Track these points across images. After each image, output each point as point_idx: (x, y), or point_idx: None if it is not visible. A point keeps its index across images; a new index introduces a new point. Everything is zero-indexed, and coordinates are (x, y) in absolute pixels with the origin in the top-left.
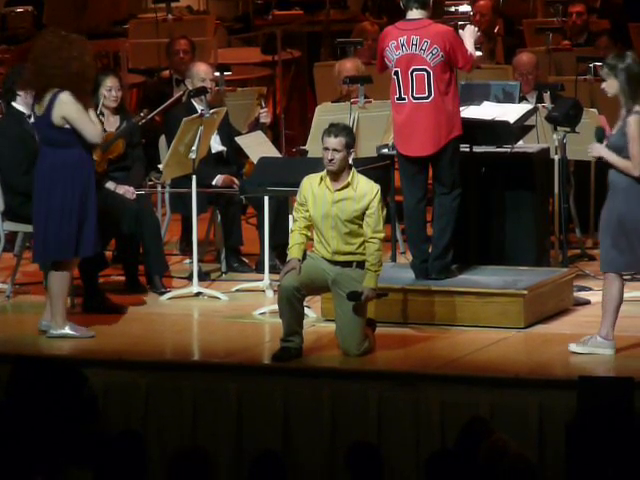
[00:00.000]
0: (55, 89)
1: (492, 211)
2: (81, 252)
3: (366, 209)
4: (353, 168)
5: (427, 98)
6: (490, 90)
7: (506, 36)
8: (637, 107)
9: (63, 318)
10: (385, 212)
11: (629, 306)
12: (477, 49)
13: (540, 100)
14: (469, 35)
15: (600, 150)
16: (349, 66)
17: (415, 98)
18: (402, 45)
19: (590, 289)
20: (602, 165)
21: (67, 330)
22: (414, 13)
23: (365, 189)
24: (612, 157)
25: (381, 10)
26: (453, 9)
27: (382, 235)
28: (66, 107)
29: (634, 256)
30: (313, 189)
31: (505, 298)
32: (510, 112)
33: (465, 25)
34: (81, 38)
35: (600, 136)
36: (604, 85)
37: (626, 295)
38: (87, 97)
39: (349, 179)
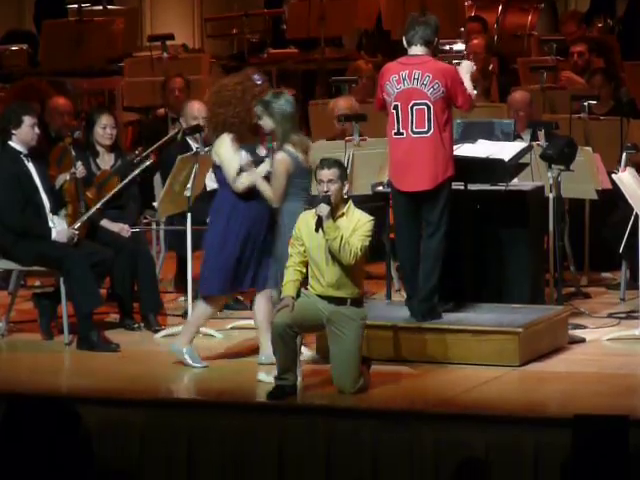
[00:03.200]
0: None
1: (487, 249)
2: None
3: (355, 230)
4: (350, 201)
5: (427, 132)
6: (494, 128)
7: (501, 74)
8: (287, 146)
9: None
10: (370, 243)
11: (623, 344)
12: (474, 87)
13: (534, 138)
14: (466, 71)
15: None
16: (343, 104)
17: (414, 132)
18: (403, 79)
19: (585, 327)
20: (597, 203)
21: (184, 354)
22: (417, 49)
23: (359, 217)
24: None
25: (376, 48)
26: (447, 47)
27: (357, 248)
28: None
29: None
30: (308, 222)
31: (500, 336)
32: (505, 150)
33: (461, 62)
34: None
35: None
36: (261, 122)
37: (620, 333)
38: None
39: (344, 210)
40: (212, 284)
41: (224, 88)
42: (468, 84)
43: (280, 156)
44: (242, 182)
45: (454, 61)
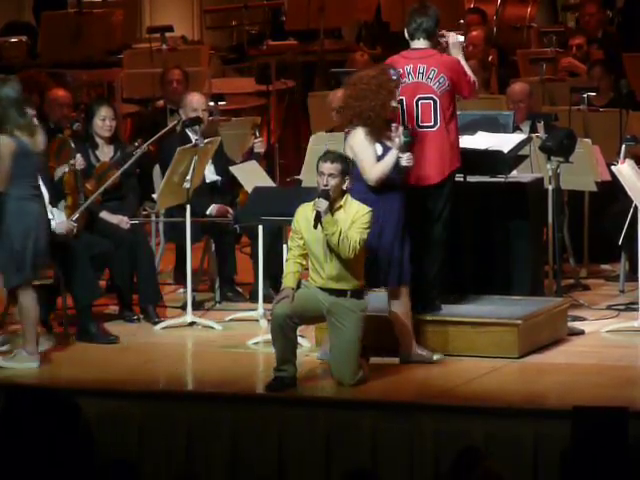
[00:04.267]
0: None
1: (486, 241)
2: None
3: (353, 222)
4: (347, 194)
5: (433, 127)
6: (493, 119)
7: (500, 66)
8: (14, 130)
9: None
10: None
11: (622, 336)
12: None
13: (533, 130)
14: (457, 49)
15: None
16: (342, 96)
17: (420, 127)
18: (408, 73)
19: (584, 319)
20: (596, 195)
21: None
22: (420, 43)
23: (357, 208)
24: None
25: (375, 40)
26: (445, 39)
27: (356, 241)
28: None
29: None
30: (307, 215)
31: (499, 328)
32: (504, 142)
33: (447, 37)
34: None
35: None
36: None
37: (619, 325)
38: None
39: (342, 202)
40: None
41: (360, 81)
42: (466, 67)
43: (4, 140)
44: (376, 173)
45: (442, 38)
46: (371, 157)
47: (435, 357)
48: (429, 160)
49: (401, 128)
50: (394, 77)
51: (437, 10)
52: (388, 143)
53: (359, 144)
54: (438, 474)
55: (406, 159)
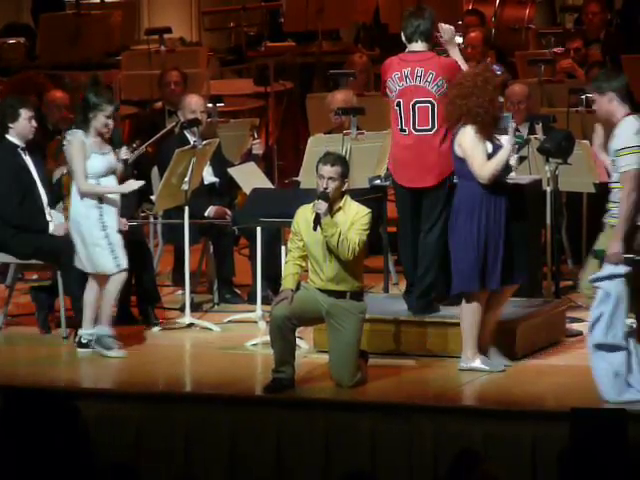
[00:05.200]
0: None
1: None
2: (487, 285)
3: (352, 223)
4: (347, 195)
5: (430, 130)
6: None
7: None
8: None
9: (473, 352)
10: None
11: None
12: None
13: (532, 131)
14: (452, 44)
15: None
16: (341, 97)
17: (417, 130)
18: (406, 77)
19: (583, 320)
20: (594, 196)
21: (477, 364)
22: (418, 45)
23: (356, 210)
24: None
25: (374, 41)
26: (438, 33)
27: (355, 243)
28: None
29: None
30: (307, 216)
31: (498, 329)
32: (502, 143)
33: (442, 31)
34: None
35: None
36: None
37: None
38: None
39: (341, 204)
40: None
41: (465, 79)
42: (461, 61)
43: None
44: (488, 171)
45: (435, 33)
46: (482, 155)
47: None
48: (427, 163)
49: (513, 125)
50: (498, 72)
51: (433, 12)
52: (497, 140)
53: (469, 143)
54: (437, 476)
55: (515, 159)
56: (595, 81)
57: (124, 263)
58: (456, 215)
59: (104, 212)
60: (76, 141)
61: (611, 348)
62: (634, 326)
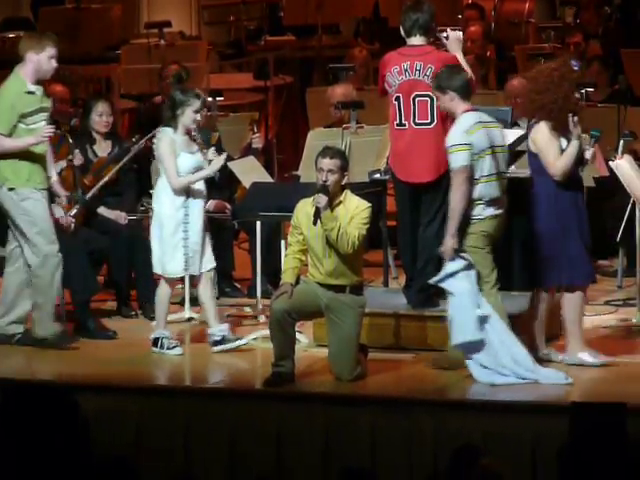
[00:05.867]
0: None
1: None
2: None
3: (352, 217)
4: (347, 189)
5: (429, 124)
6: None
7: (498, 62)
8: None
9: (581, 346)
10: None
11: (621, 332)
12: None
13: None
14: (456, 47)
15: None
16: (340, 91)
17: (417, 124)
18: (405, 71)
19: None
20: (594, 190)
21: (586, 357)
22: (417, 39)
23: (357, 204)
24: None
25: (373, 35)
26: (445, 35)
27: (355, 237)
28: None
29: None
30: (307, 210)
31: None
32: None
33: (447, 34)
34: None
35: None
36: None
37: (618, 321)
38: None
39: (341, 198)
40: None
41: (541, 74)
42: (464, 63)
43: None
44: (561, 166)
45: (442, 34)
46: (555, 151)
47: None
48: (425, 157)
49: (575, 119)
50: (575, 67)
51: (432, 5)
52: (571, 136)
53: (543, 139)
54: (437, 470)
55: (590, 153)
56: (437, 79)
57: (195, 270)
58: (533, 211)
59: (190, 212)
60: (166, 139)
61: (473, 345)
62: (485, 314)
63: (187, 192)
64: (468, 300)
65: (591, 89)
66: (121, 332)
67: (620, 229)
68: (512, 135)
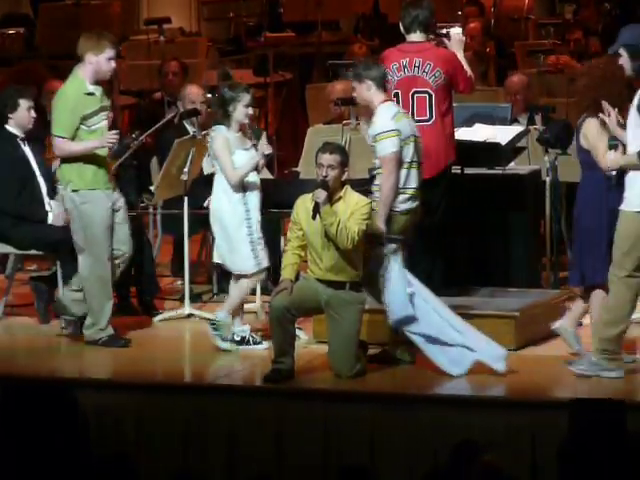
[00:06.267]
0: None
1: (483, 232)
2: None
3: (352, 213)
4: (347, 185)
5: (428, 120)
6: (496, 113)
7: (498, 58)
8: None
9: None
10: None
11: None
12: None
13: (531, 122)
14: (458, 46)
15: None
16: (340, 88)
17: (416, 120)
18: (404, 67)
19: None
20: None
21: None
22: (416, 36)
23: (356, 200)
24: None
25: (373, 32)
26: (445, 31)
27: (354, 232)
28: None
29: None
30: (306, 206)
31: (496, 320)
32: (502, 134)
33: (449, 33)
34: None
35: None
36: None
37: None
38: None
39: (341, 193)
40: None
41: (593, 70)
42: (464, 62)
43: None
44: (611, 159)
45: (442, 30)
46: (605, 146)
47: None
48: (424, 154)
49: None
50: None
51: (431, 2)
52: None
53: (595, 134)
54: (437, 465)
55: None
56: (355, 69)
57: (265, 262)
58: (582, 206)
59: (250, 207)
60: (220, 137)
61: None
62: (414, 291)
63: (244, 186)
64: (398, 280)
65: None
66: (121, 329)
67: None
68: (511, 132)
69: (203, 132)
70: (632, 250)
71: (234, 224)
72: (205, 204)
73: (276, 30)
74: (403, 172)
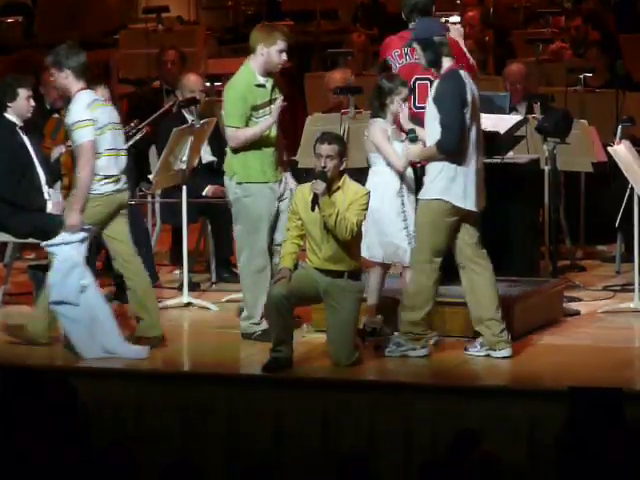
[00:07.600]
0: None
1: (482, 221)
2: None
3: (351, 203)
4: (345, 175)
5: None
6: (494, 102)
7: (496, 47)
8: None
9: None
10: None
11: (618, 317)
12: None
13: (530, 111)
14: (457, 35)
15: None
16: (339, 77)
17: (417, 107)
18: (406, 54)
19: (580, 300)
20: (592, 176)
21: None
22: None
23: (355, 190)
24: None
25: (372, 21)
26: (443, 20)
27: (353, 223)
28: None
29: None
30: (305, 196)
31: None
32: (500, 123)
33: (447, 21)
34: None
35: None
36: None
37: (614, 306)
38: None
39: (340, 183)
40: None
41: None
42: (465, 50)
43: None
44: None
45: (441, 19)
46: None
47: None
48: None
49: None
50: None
51: None
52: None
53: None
54: (435, 454)
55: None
56: (55, 55)
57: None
58: None
59: (405, 201)
60: (379, 129)
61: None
62: (86, 284)
63: (401, 179)
64: (71, 267)
65: (590, 74)
66: (120, 318)
67: (619, 215)
68: (510, 121)
69: (201, 121)
70: (430, 237)
71: (392, 217)
72: (204, 193)
73: (275, 19)
74: (102, 159)
